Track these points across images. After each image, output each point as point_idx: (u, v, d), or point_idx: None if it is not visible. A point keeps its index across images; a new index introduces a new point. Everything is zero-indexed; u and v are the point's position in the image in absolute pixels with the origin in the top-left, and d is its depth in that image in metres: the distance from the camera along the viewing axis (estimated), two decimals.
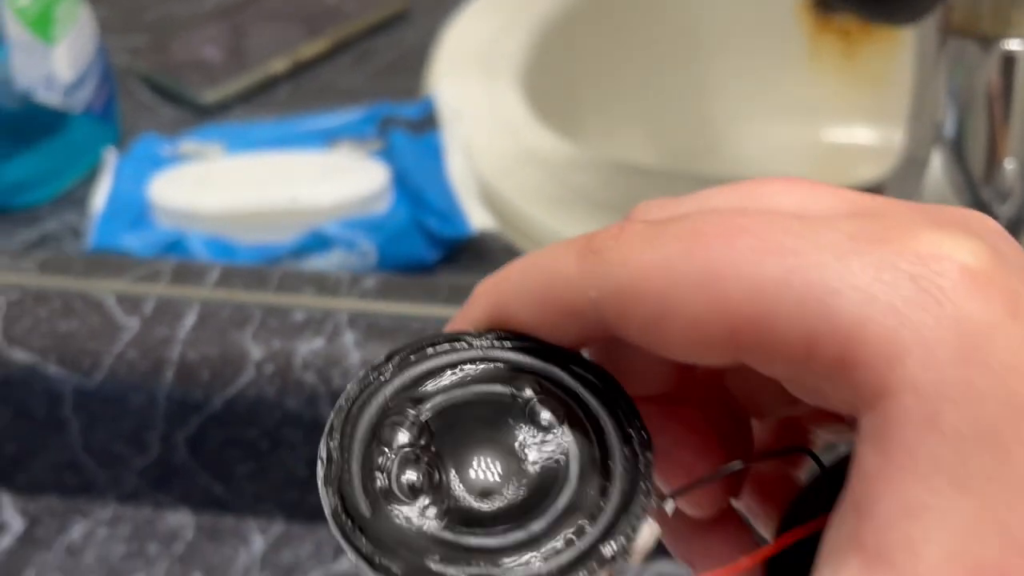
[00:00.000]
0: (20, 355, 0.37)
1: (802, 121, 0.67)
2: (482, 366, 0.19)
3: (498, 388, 0.19)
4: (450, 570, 0.16)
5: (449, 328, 0.20)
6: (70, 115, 0.51)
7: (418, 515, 0.17)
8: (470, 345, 0.19)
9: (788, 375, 0.17)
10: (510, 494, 0.18)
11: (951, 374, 0.15)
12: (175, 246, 0.46)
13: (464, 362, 0.19)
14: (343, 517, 0.17)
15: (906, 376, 0.15)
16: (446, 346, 0.19)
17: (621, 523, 0.17)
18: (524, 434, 0.18)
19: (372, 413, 0.18)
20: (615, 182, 0.50)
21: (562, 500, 0.17)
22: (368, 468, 0.18)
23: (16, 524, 0.38)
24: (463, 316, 0.20)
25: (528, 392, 0.19)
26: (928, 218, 0.17)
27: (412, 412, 0.18)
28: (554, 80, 0.61)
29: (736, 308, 0.16)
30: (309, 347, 0.34)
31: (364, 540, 0.17)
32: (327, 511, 0.17)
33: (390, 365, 0.19)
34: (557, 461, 0.18)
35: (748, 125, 0.67)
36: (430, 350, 0.19)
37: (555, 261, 0.18)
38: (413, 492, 0.17)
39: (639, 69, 0.68)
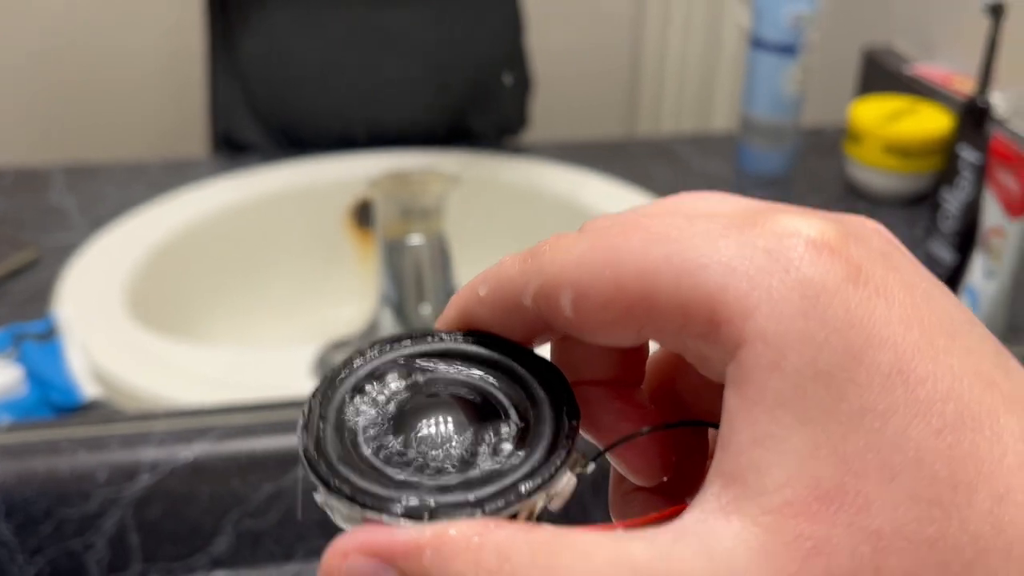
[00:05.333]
0: None
1: (355, 301, 0.93)
2: (446, 356, 0.22)
3: (456, 373, 0.22)
4: (391, 494, 0.19)
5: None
6: None
7: (378, 460, 0.20)
8: (441, 339, 0.23)
9: (679, 346, 0.19)
10: (453, 451, 0.20)
11: (794, 326, 0.17)
12: None
13: (433, 352, 0.22)
14: (313, 454, 0.20)
15: (756, 328, 0.17)
16: (420, 339, 0.23)
17: (541, 470, 0.20)
18: (472, 407, 0.21)
19: (351, 383, 0.22)
20: (190, 358, 0.73)
21: (497, 458, 0.20)
22: (341, 422, 0.21)
23: None
24: (440, 319, 0.23)
25: (481, 375, 0.22)
26: (799, 210, 0.19)
27: (384, 385, 0.22)
28: (158, 290, 0.83)
29: (629, 288, 0.19)
30: None
31: (325, 469, 0.19)
32: (300, 451, 0.20)
33: (372, 350, 0.22)
34: (498, 428, 0.21)
35: (302, 308, 0.92)
36: (407, 341, 0.23)
37: (503, 267, 0.22)
38: (375, 444, 0.20)
39: (230, 276, 0.92)
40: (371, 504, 0.19)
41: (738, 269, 0.18)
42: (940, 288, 0.19)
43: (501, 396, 0.21)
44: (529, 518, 0.20)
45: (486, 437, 0.21)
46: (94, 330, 0.73)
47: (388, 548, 0.18)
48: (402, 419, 0.21)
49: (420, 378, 0.22)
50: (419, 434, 0.20)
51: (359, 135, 0.97)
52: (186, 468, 0.53)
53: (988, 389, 0.17)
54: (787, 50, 0.93)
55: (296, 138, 0.99)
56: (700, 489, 0.18)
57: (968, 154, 0.76)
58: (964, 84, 0.93)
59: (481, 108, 1.01)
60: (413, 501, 0.19)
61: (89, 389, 0.67)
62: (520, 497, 0.19)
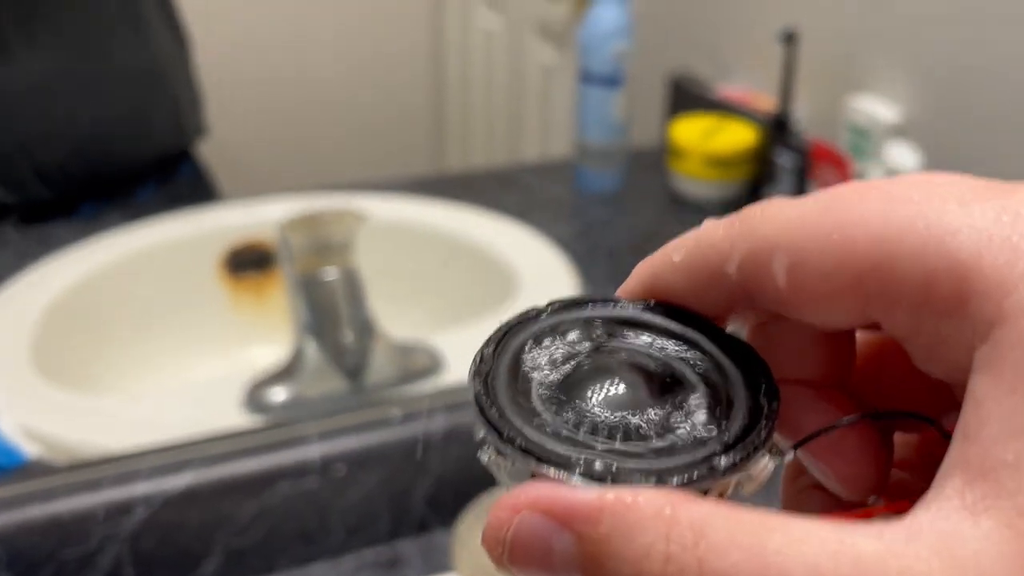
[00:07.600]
0: None
1: (232, 348, 0.96)
2: (629, 324, 0.20)
3: (639, 341, 0.20)
4: (568, 451, 0.17)
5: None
6: None
7: (551, 416, 0.18)
8: (625, 307, 0.21)
9: (909, 325, 0.17)
10: (635, 418, 0.18)
11: None
12: None
13: (614, 318, 0.20)
14: (484, 399, 0.18)
15: (1019, 304, 0.15)
16: (602, 304, 0.21)
17: (737, 449, 0.17)
18: (659, 377, 0.19)
19: (524, 337, 0.20)
20: (113, 408, 0.75)
21: (684, 430, 0.18)
22: (513, 373, 0.19)
23: None
24: (623, 287, 0.21)
25: (667, 346, 0.20)
26: None
27: (565, 340, 0.20)
28: (61, 344, 0.84)
29: (863, 254, 0.17)
30: None
31: (497, 417, 0.18)
32: (472, 397, 0.19)
33: (549, 308, 0.21)
34: (686, 401, 0.19)
35: (186, 360, 0.95)
36: (588, 304, 0.21)
37: (705, 231, 0.19)
38: (549, 399, 0.19)
39: (123, 330, 0.93)
40: (546, 458, 0.17)
41: (996, 236, 0.16)
42: None
43: (689, 369, 0.20)
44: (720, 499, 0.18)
45: (672, 409, 0.19)
46: (10, 391, 0.74)
47: (566, 508, 0.16)
48: (581, 378, 0.19)
49: (603, 340, 0.20)
50: (599, 395, 0.19)
51: (57, 164, 1.01)
52: (178, 497, 0.57)
53: None
54: (612, 81, 1.05)
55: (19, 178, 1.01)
56: (934, 484, 0.16)
57: (784, 159, 0.90)
58: (760, 100, 1.08)
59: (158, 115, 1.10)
60: (594, 461, 0.17)
61: (30, 449, 0.68)
62: (714, 473, 0.17)
